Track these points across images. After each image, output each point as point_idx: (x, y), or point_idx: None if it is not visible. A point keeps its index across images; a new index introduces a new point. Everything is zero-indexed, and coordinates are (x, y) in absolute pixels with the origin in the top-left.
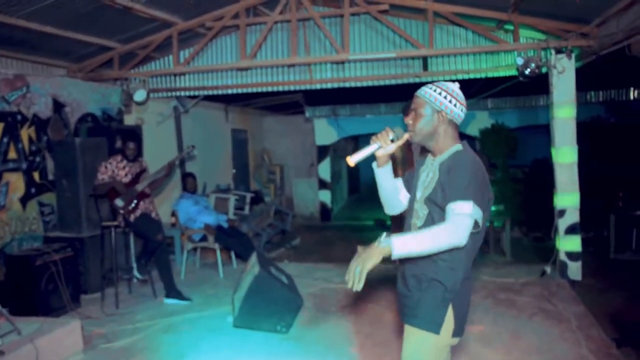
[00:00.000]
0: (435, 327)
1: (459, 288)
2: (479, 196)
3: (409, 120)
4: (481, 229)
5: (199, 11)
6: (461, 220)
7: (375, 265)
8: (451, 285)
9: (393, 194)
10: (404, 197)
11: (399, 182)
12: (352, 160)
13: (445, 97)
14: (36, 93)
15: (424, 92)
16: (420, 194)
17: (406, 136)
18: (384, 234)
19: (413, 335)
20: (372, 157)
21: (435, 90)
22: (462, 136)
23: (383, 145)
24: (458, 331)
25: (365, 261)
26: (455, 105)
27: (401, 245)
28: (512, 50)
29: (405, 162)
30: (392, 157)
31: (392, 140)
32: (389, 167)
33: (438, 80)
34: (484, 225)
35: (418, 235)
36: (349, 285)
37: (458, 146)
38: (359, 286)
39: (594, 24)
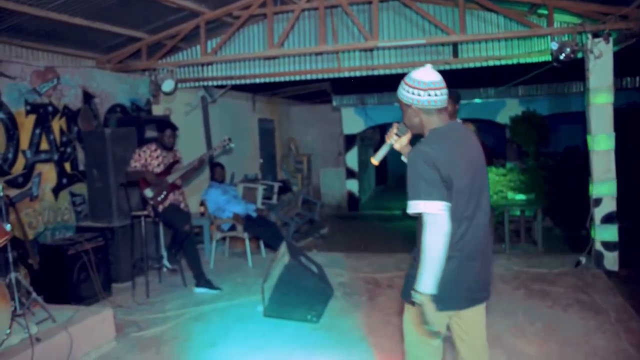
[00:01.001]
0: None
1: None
2: (427, 182)
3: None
4: (456, 201)
5: (227, 0)
6: (427, 222)
7: (431, 313)
8: None
9: None
10: None
11: None
12: (375, 160)
13: (407, 91)
14: (66, 85)
15: (397, 92)
16: None
17: (409, 132)
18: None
19: (406, 308)
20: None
21: (400, 86)
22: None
23: (394, 142)
24: (445, 305)
25: (424, 318)
26: (418, 94)
27: (422, 285)
28: (545, 35)
29: None
30: None
31: (399, 135)
32: None
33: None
34: (462, 198)
35: (421, 264)
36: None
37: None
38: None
39: (635, 5)
